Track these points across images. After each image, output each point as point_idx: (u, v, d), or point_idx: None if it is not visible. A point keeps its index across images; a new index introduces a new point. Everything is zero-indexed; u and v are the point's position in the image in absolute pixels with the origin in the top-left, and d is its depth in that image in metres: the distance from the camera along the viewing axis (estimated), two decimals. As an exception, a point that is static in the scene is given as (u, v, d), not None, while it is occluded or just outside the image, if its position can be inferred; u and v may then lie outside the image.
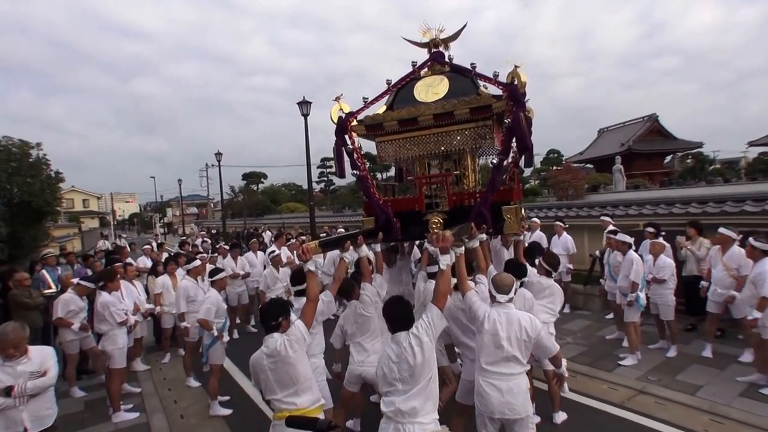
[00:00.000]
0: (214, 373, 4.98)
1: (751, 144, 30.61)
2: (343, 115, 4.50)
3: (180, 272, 6.77)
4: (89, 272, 6.98)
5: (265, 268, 8.53)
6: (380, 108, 4.72)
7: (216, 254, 8.91)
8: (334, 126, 4.49)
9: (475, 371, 3.15)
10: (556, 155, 42.60)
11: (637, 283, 5.35)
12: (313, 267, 3.22)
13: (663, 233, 6.21)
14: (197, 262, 6.38)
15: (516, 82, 3.84)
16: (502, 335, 2.98)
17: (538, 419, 4.09)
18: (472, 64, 4.42)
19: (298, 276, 3.84)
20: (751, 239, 4.78)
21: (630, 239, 5.70)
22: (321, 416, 2.90)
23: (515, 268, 3.94)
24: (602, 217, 7.92)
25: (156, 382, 6.04)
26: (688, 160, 37.74)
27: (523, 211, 5.23)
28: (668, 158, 36.30)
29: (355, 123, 4.60)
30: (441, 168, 4.87)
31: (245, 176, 50.55)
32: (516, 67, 3.84)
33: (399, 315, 2.81)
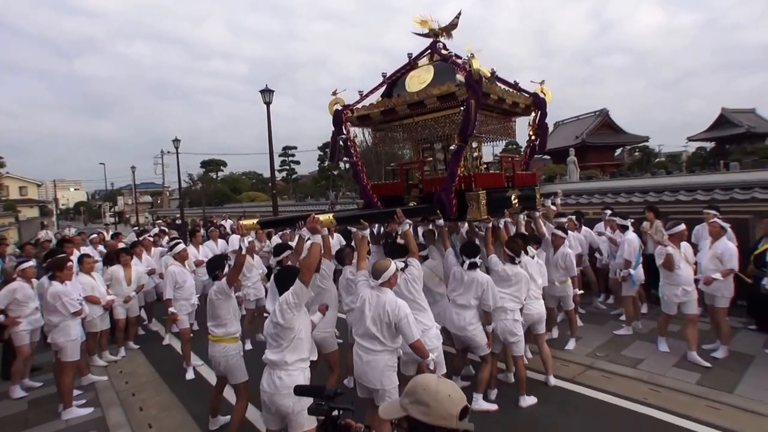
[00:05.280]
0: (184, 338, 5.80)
1: (690, 139, 32.86)
2: (340, 108, 4.89)
3: (168, 258, 6.69)
4: (32, 262, 6.52)
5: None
6: (377, 98, 4.99)
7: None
8: (331, 118, 4.91)
9: None
10: (514, 146, 43.89)
11: (630, 261, 5.85)
12: (246, 242, 3.99)
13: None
14: (182, 246, 6.30)
15: (471, 70, 3.87)
16: (367, 314, 3.27)
17: (495, 407, 4.24)
18: (450, 52, 4.53)
19: (280, 248, 4.59)
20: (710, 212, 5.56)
21: (627, 222, 6.23)
22: (236, 345, 3.89)
23: (466, 248, 4.17)
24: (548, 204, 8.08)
25: (111, 376, 5.79)
26: (636, 153, 39.93)
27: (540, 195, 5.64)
28: (618, 151, 38.25)
29: (350, 114, 4.92)
30: (433, 154, 5.12)
31: (204, 164, 48.84)
32: (471, 55, 3.87)
33: (280, 283, 3.18)
